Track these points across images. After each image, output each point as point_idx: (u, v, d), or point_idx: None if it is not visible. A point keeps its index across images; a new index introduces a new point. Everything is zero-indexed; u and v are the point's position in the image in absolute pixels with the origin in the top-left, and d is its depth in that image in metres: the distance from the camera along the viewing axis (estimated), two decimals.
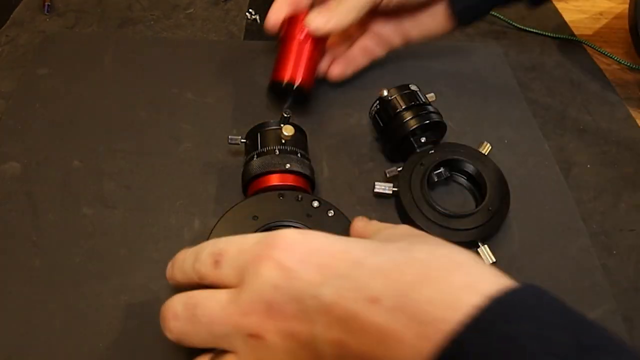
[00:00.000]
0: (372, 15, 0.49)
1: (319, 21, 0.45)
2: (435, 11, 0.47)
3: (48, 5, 0.61)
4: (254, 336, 0.25)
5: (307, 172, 0.41)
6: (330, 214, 0.38)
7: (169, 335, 0.28)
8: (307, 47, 0.47)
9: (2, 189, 0.43)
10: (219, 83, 0.54)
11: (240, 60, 0.57)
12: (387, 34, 0.51)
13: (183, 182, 0.45)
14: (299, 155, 0.42)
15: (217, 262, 0.28)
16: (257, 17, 0.64)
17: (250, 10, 0.65)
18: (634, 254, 0.44)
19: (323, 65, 0.51)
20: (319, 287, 0.24)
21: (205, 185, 0.45)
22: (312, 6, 0.49)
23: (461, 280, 0.22)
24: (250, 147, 0.43)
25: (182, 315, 0.27)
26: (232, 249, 0.28)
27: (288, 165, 0.40)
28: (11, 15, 0.61)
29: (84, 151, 0.47)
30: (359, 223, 0.34)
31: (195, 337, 0.27)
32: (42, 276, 0.38)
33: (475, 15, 0.47)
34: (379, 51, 0.52)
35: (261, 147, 0.42)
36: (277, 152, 0.41)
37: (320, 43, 0.49)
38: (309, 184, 0.42)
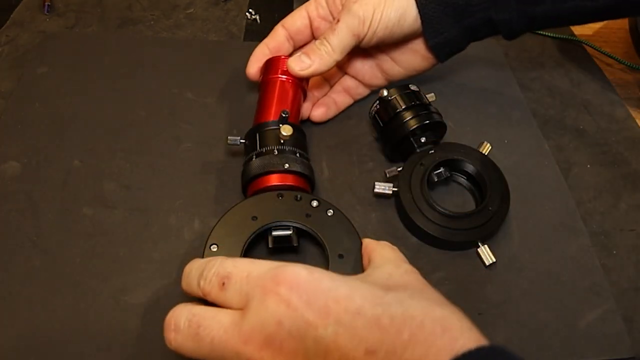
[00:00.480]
0: (352, 55, 0.49)
1: (302, 64, 0.44)
2: (413, 47, 0.47)
3: (48, 5, 0.61)
4: None
5: (306, 172, 0.41)
6: (329, 214, 0.38)
7: (168, 345, 0.29)
8: (290, 89, 0.46)
9: (2, 189, 0.43)
10: (219, 83, 0.54)
11: (240, 60, 0.57)
12: (368, 74, 0.50)
13: (183, 182, 0.45)
14: (297, 155, 0.41)
15: (223, 284, 0.29)
16: (257, 17, 0.64)
17: (250, 10, 0.65)
18: (634, 254, 0.44)
19: (305, 109, 0.49)
20: (320, 330, 0.26)
21: (205, 185, 0.45)
22: (293, 52, 0.49)
23: (444, 343, 0.25)
24: (250, 147, 0.43)
25: (185, 331, 0.28)
26: (239, 274, 0.29)
27: (287, 165, 0.40)
28: (11, 15, 0.61)
29: (84, 151, 0.47)
30: (372, 244, 0.36)
31: (194, 352, 0.28)
32: (42, 276, 0.38)
33: (452, 50, 0.47)
34: (361, 91, 0.52)
35: (260, 148, 0.41)
36: (276, 152, 0.41)
37: (302, 84, 0.47)
38: (309, 183, 0.42)
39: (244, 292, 0.28)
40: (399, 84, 0.47)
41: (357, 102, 0.53)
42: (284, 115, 0.42)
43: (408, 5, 0.43)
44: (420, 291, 0.29)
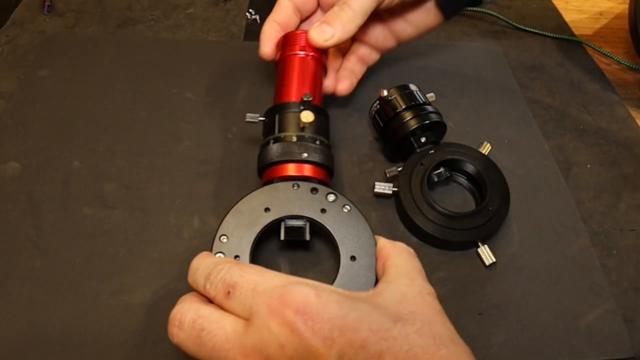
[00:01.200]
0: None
1: (325, 34, 0.42)
2: (424, 6, 0.46)
3: (48, 5, 0.61)
4: None
5: (325, 162, 0.39)
6: (345, 210, 0.37)
7: (171, 339, 0.29)
8: (311, 64, 0.44)
9: (2, 189, 0.43)
10: (219, 83, 0.54)
11: (240, 60, 0.57)
12: (380, 38, 0.49)
13: (183, 182, 0.45)
14: (317, 142, 0.40)
15: (228, 293, 0.28)
16: (257, 17, 0.64)
17: (250, 10, 0.65)
18: (634, 254, 0.44)
19: (328, 84, 0.48)
20: (322, 359, 0.25)
21: (205, 184, 0.45)
22: (300, 24, 0.47)
23: None
24: (268, 127, 0.41)
25: (188, 330, 0.28)
26: (245, 286, 0.28)
27: (305, 155, 0.38)
28: (11, 15, 0.61)
29: (84, 151, 0.47)
30: (387, 247, 0.35)
31: (194, 353, 0.28)
32: (42, 276, 0.38)
33: (457, 7, 0.46)
34: (374, 56, 0.51)
35: (279, 132, 0.40)
36: (295, 139, 0.39)
37: (322, 58, 0.46)
38: (327, 173, 0.41)
39: (248, 305, 0.27)
40: (399, 84, 0.47)
41: (357, 102, 0.53)
42: (305, 99, 0.40)
43: None
44: (430, 323, 0.28)
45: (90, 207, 0.43)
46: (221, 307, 0.29)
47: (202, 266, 0.30)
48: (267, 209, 0.36)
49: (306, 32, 0.43)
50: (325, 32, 0.42)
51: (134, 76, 0.54)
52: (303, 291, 0.27)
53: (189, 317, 0.28)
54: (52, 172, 0.45)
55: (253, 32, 0.62)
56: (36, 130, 0.48)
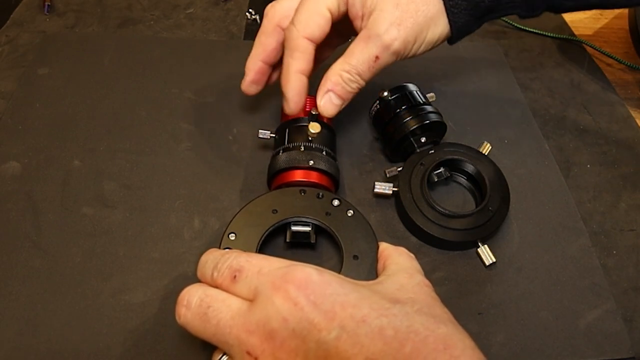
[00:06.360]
0: None
1: (334, 107, 0.41)
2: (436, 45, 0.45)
3: (48, 5, 0.61)
4: (250, 354, 0.27)
5: (331, 170, 0.41)
6: (349, 214, 0.38)
7: (177, 320, 0.30)
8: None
9: (2, 189, 0.43)
10: (219, 83, 0.54)
11: (240, 60, 0.57)
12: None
13: (183, 182, 0.45)
14: (324, 152, 0.42)
15: (234, 277, 0.29)
16: (257, 17, 0.64)
17: (250, 10, 0.65)
18: (634, 254, 0.44)
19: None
20: (323, 333, 0.26)
21: (205, 184, 0.45)
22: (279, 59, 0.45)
23: None
24: (278, 142, 0.43)
25: (195, 309, 0.29)
26: (251, 269, 0.29)
27: (312, 162, 0.40)
28: (11, 15, 0.61)
29: (84, 151, 0.47)
30: (389, 249, 0.36)
31: (200, 331, 0.29)
32: (42, 276, 0.38)
33: (464, 36, 0.45)
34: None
35: (288, 143, 0.42)
36: (303, 149, 0.41)
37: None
38: (333, 182, 0.42)
39: (254, 286, 0.28)
40: (399, 84, 0.47)
41: (357, 102, 0.52)
42: (313, 113, 0.42)
43: (443, 21, 0.41)
44: (429, 306, 0.29)
45: (90, 207, 0.43)
46: (228, 292, 0.30)
47: (211, 258, 0.32)
48: (274, 211, 0.38)
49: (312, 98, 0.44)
50: (335, 104, 0.42)
51: (134, 76, 0.54)
52: (306, 270, 0.28)
53: (196, 296, 0.29)
54: (52, 172, 0.45)
55: (253, 32, 0.62)
56: (36, 130, 0.48)
